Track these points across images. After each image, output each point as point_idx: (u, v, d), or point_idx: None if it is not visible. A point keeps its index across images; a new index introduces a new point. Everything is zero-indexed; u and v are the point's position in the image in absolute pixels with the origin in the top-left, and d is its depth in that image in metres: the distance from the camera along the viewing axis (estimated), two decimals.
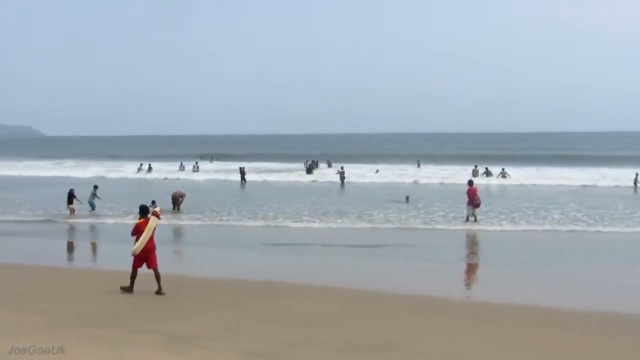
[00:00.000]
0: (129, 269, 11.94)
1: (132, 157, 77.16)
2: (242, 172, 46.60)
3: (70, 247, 18.78)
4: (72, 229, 21.85)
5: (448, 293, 11.98)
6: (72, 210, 25.70)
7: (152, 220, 12.14)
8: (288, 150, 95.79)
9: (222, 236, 20.00)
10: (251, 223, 22.10)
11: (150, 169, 54.34)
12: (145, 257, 11.99)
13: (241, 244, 18.87)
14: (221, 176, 46.50)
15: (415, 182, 40.32)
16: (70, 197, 26.05)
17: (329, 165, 61.18)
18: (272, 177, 45.15)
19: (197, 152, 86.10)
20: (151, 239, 12.07)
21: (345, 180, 41.96)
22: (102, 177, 45.40)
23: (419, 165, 59.03)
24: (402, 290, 12.10)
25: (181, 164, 59.73)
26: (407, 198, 29.27)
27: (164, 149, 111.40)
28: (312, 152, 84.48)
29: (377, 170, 50.75)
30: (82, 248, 18.83)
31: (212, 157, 59.23)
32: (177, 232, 20.90)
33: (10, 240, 19.61)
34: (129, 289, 12.01)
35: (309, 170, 50.55)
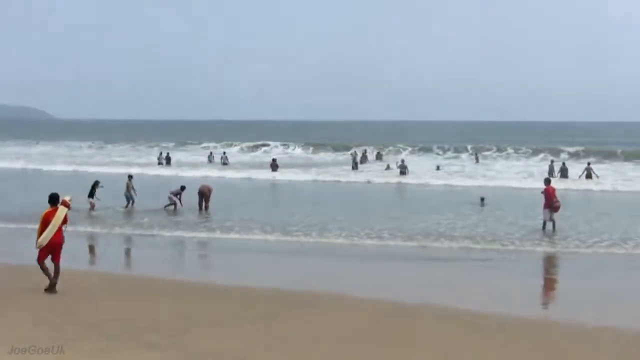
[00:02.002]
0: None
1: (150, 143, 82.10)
2: (274, 164, 47.87)
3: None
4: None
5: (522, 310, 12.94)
6: (92, 205, 27.78)
7: (61, 210, 13.06)
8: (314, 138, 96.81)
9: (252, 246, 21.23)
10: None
11: (168, 160, 55.71)
12: (52, 250, 13.07)
13: (272, 249, 20.16)
14: (252, 173, 47.24)
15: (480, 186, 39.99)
16: (93, 189, 28.13)
17: (378, 157, 61.89)
18: (310, 175, 45.92)
19: (217, 139, 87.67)
20: (59, 231, 13.04)
21: (404, 179, 42.77)
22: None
23: (477, 160, 59.15)
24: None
25: (210, 154, 61.37)
26: (482, 200, 29.87)
27: (187, 135, 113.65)
28: (342, 140, 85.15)
29: (439, 167, 51.07)
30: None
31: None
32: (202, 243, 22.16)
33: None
34: (51, 289, 13.12)
35: (356, 165, 51.21)
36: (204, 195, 28.22)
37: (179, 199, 28.54)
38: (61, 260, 13.39)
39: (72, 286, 13.86)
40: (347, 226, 23.81)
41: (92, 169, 50.32)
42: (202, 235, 22.68)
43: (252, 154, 73.90)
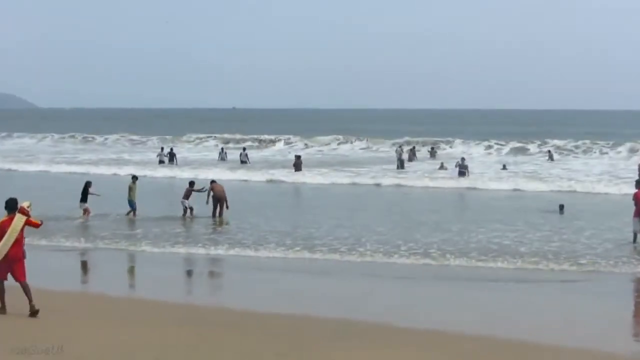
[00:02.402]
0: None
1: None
2: (298, 163, 48.08)
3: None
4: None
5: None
6: (86, 211, 28.69)
7: (18, 218, 13.10)
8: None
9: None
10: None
11: (172, 157, 56.24)
12: (10, 266, 13.18)
13: (302, 268, 20.49)
14: (271, 174, 47.38)
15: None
16: (86, 193, 28.92)
17: (432, 155, 61.89)
18: (342, 176, 45.97)
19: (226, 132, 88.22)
20: (18, 243, 13.13)
21: (462, 181, 42.82)
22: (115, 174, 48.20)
23: (551, 158, 58.80)
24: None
25: (222, 150, 61.91)
26: (561, 208, 30.06)
27: (190, 125, 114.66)
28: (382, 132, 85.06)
29: (505, 166, 50.84)
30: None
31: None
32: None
33: None
34: (33, 314, 13.42)
35: (402, 164, 51.39)
36: (220, 200, 28.86)
37: (198, 192, 29.44)
38: (47, 281, 14.08)
39: (59, 311, 14.29)
40: (386, 240, 24.07)
41: (75, 169, 51.40)
42: (216, 251, 23.02)
43: (272, 148, 74.42)
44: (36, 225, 13.69)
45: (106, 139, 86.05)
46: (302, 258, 22.02)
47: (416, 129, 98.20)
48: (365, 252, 22.39)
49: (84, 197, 28.83)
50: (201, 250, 23.17)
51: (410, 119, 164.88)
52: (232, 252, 22.79)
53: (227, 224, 27.92)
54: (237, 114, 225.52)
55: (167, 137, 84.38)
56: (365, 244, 23.32)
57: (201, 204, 29.21)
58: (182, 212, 29.11)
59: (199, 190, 29.68)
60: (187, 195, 29.37)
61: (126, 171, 47.73)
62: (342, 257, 21.94)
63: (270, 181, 44.85)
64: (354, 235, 24.97)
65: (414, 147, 61.61)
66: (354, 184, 43.27)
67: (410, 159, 56.47)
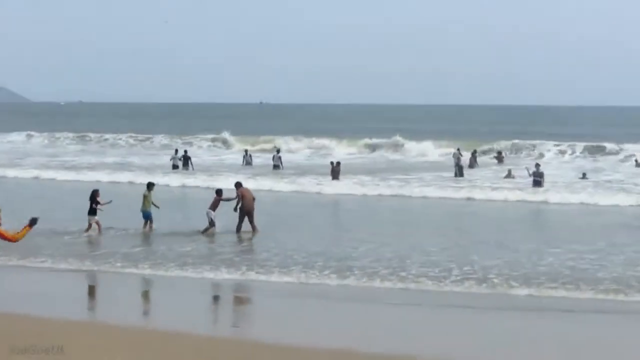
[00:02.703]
0: None
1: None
2: (337, 170, 47.94)
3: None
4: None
5: None
6: (97, 226, 28.99)
7: None
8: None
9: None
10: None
11: (187, 161, 56.51)
12: None
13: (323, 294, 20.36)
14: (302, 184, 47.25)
15: None
16: (94, 200, 29.16)
17: (499, 160, 61.43)
18: (387, 185, 45.70)
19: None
20: None
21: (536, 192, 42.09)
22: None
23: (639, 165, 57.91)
24: None
25: (246, 152, 62.08)
26: None
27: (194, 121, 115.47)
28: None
29: (585, 175, 50.10)
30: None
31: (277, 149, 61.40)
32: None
33: None
34: None
35: (461, 171, 51.18)
36: (250, 211, 29.09)
37: (228, 201, 29.62)
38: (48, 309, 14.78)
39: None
40: (436, 262, 23.93)
41: (71, 175, 51.72)
42: (234, 275, 22.93)
43: (303, 152, 74.58)
44: (11, 239, 13.54)
45: (106, 138, 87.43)
46: (335, 283, 21.90)
47: (479, 128, 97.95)
48: (407, 276, 22.19)
49: (92, 209, 28.93)
50: (215, 274, 23.02)
51: (471, 116, 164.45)
52: (254, 275, 22.74)
53: (250, 239, 28.18)
54: (265, 110, 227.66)
55: (182, 137, 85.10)
56: (411, 267, 23.17)
57: (228, 215, 29.26)
58: (207, 224, 29.12)
59: (228, 199, 29.74)
60: (214, 206, 29.36)
61: (130, 177, 48.49)
62: (382, 283, 21.75)
63: (299, 192, 44.68)
64: (398, 256, 24.89)
65: (475, 151, 61.15)
66: (397, 195, 42.80)
67: (471, 165, 56.30)
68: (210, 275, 22.92)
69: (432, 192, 43.20)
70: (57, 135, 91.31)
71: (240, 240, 28.31)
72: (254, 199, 29.46)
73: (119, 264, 24.16)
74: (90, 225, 28.88)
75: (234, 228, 29.09)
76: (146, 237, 28.80)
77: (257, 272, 22.97)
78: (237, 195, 29.31)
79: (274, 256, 24.89)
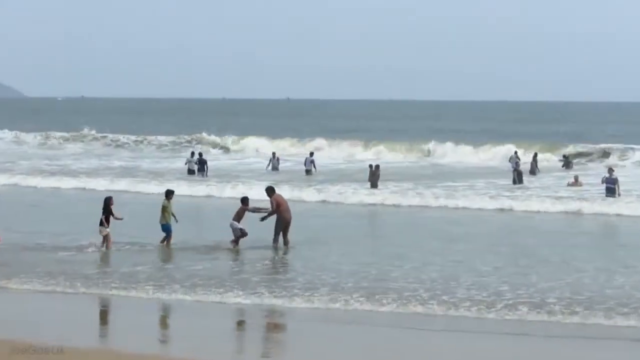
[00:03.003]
0: None
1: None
2: (374, 176, 47.90)
3: None
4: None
5: None
6: (107, 239, 29.04)
7: None
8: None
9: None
10: None
11: (203, 166, 56.68)
12: None
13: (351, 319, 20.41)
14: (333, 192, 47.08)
15: None
16: (107, 212, 29.23)
17: (567, 165, 60.82)
18: (434, 195, 45.39)
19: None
20: None
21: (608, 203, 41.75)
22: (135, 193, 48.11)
23: None
24: None
25: (273, 155, 61.75)
26: None
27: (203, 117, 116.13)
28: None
29: None
30: None
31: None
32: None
33: None
34: None
35: (520, 177, 51.05)
36: (288, 220, 29.35)
37: (255, 212, 29.80)
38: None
39: None
40: (486, 283, 23.90)
41: (66, 183, 51.96)
42: (253, 299, 22.72)
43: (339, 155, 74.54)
44: None
45: (110, 139, 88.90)
46: (367, 308, 21.76)
47: (524, 128, 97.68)
48: (449, 300, 22.04)
49: (105, 218, 28.95)
50: (222, 297, 22.90)
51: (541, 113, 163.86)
52: (271, 299, 22.63)
53: (279, 255, 28.48)
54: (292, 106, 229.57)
55: (193, 136, 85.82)
56: (456, 290, 23.13)
57: (255, 225, 29.41)
58: (233, 237, 29.34)
59: (256, 210, 29.88)
60: (239, 217, 29.49)
61: (136, 186, 48.78)
62: (420, 308, 21.58)
63: (332, 201, 44.73)
64: (443, 276, 24.90)
65: (536, 155, 60.72)
66: (443, 206, 42.60)
67: (532, 171, 56.20)
68: (216, 298, 22.68)
69: (486, 202, 43.11)
70: (52, 134, 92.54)
71: (268, 256, 28.34)
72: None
73: (115, 285, 24.05)
74: (104, 239, 28.83)
75: (259, 241, 29.25)
76: (164, 252, 28.90)
77: (276, 296, 22.78)
78: (271, 204, 29.36)
79: (300, 276, 25.04)
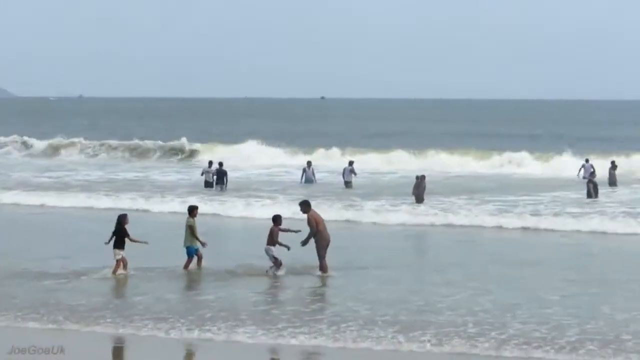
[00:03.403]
0: None
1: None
2: (419, 189, 48.10)
3: None
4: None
5: None
6: (122, 263, 29.36)
7: None
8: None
9: None
10: None
11: (222, 177, 57.17)
12: None
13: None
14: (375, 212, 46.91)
15: None
16: (122, 234, 29.49)
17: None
18: (491, 212, 45.71)
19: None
20: None
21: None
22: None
23: None
24: None
25: (308, 165, 61.42)
26: None
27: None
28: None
29: None
30: None
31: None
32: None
33: None
34: None
35: (596, 189, 50.83)
36: (328, 243, 29.68)
37: (288, 232, 30.12)
38: None
39: None
40: (548, 316, 23.93)
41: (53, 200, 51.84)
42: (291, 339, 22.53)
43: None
44: None
45: (108, 146, 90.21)
46: (403, 349, 21.65)
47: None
48: (499, 337, 21.96)
49: (119, 241, 29.28)
50: (229, 335, 22.76)
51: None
52: (288, 338, 22.54)
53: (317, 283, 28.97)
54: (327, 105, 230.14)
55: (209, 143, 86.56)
56: (511, 323, 23.15)
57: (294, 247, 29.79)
58: (270, 265, 29.89)
59: (289, 231, 30.18)
60: (273, 240, 29.77)
61: (141, 204, 49.09)
62: (463, 347, 21.47)
63: (371, 221, 44.93)
64: (497, 306, 25.05)
65: (613, 162, 59.90)
66: (500, 226, 42.69)
67: (612, 181, 56.19)
68: (221, 337, 22.47)
69: (552, 221, 43.14)
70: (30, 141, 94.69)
71: (306, 284, 28.73)
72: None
73: (109, 320, 23.74)
74: (118, 263, 29.09)
75: (294, 264, 29.94)
76: (191, 278, 29.46)
77: (291, 333, 22.61)
78: (309, 223, 29.51)
79: (330, 307, 25.25)
